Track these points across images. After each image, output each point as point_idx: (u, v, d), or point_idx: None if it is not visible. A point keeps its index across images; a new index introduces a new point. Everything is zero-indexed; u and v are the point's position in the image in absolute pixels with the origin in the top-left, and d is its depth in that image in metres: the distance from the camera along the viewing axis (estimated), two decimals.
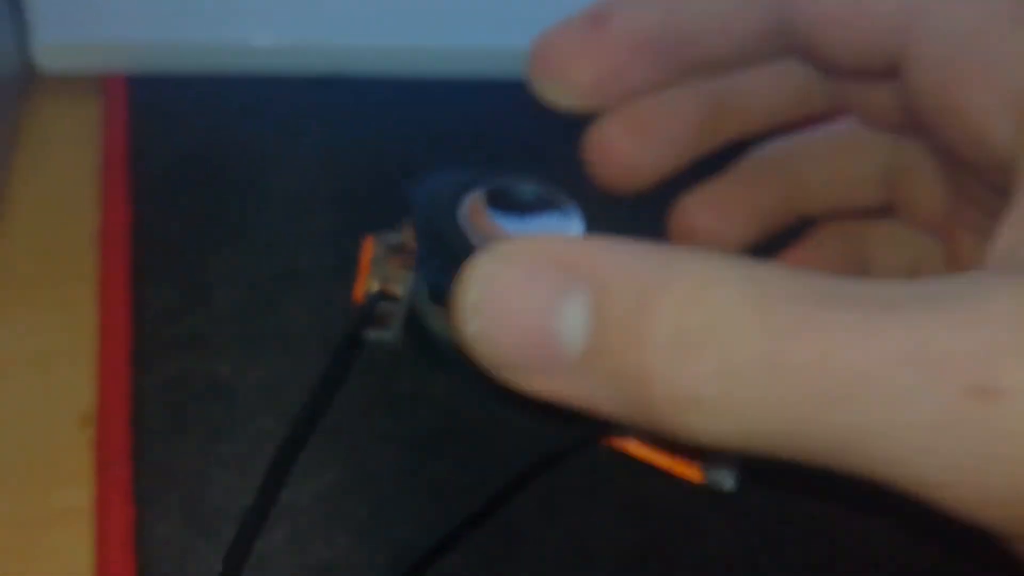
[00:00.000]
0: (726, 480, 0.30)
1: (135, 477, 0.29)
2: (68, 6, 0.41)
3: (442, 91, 0.45)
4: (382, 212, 0.34)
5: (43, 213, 0.37)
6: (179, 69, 0.42)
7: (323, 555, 0.28)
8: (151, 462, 0.29)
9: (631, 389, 0.18)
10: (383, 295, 0.32)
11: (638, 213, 0.36)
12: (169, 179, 0.38)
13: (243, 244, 0.36)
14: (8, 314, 0.33)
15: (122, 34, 0.42)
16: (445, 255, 0.31)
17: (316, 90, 0.44)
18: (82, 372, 0.32)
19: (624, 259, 0.19)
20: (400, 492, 0.30)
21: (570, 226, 0.32)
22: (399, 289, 0.32)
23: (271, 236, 0.37)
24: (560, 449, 0.29)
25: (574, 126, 0.46)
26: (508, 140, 0.43)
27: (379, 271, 0.32)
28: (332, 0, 0.44)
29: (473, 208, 0.32)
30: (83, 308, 0.33)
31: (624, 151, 0.28)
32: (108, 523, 0.28)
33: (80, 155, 0.39)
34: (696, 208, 0.31)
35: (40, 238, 0.36)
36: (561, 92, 0.27)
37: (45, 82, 0.41)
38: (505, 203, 0.33)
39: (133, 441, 0.30)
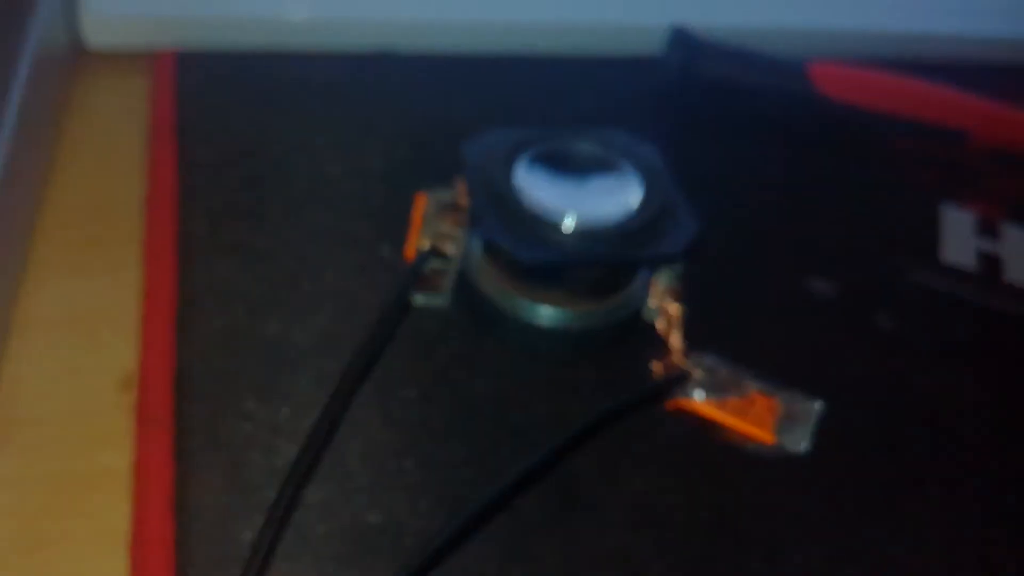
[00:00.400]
0: (800, 442, 0.28)
1: (176, 437, 0.28)
2: None
3: (486, 66, 0.45)
4: (428, 180, 0.33)
5: (91, 181, 0.36)
6: (226, 44, 0.42)
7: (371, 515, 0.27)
8: (192, 423, 0.28)
9: None
10: (434, 252, 0.31)
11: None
12: (216, 150, 0.37)
13: (290, 211, 0.35)
14: (53, 277, 0.32)
15: (169, 9, 0.41)
16: (500, 212, 0.29)
17: (360, 66, 0.43)
18: (125, 336, 0.31)
19: None
20: (450, 452, 0.28)
21: (628, 187, 0.31)
22: (451, 247, 0.31)
23: (318, 204, 0.36)
24: (622, 406, 0.27)
25: (618, 101, 0.45)
26: (557, 115, 0.42)
27: (431, 228, 0.31)
28: None
29: (529, 166, 0.31)
30: (128, 272, 0.33)
31: None
32: (147, 484, 0.27)
33: (128, 127, 0.38)
34: None
35: (88, 205, 0.35)
36: None
37: (94, 57, 0.41)
38: (561, 162, 0.31)
39: (175, 402, 0.29)
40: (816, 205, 0.40)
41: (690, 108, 0.43)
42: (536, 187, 0.30)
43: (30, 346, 0.30)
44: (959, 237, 0.39)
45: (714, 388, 0.27)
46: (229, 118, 0.39)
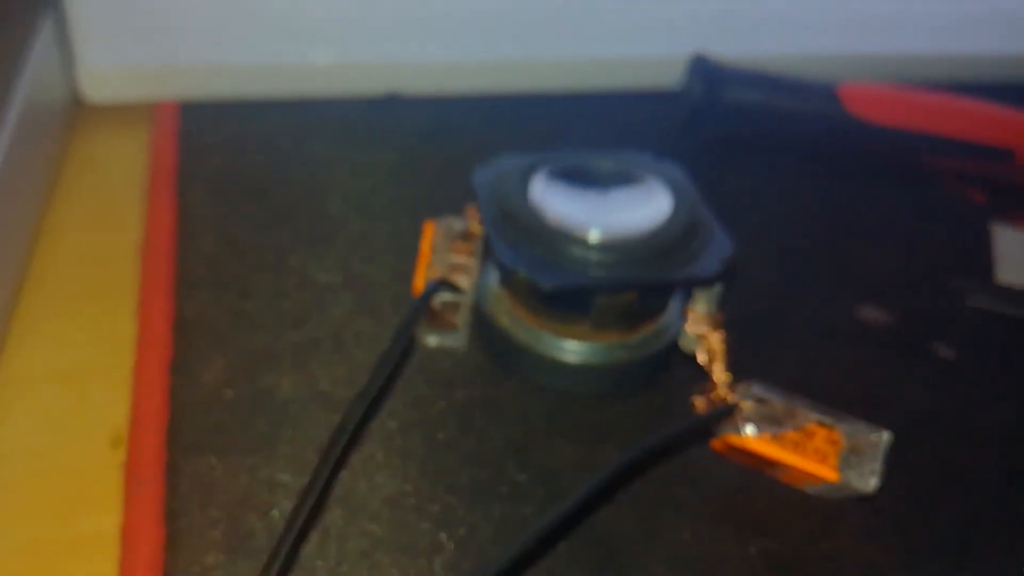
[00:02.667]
0: (868, 478, 0.24)
1: (167, 497, 0.25)
2: (113, 32, 0.39)
3: (496, 105, 0.43)
4: (427, 215, 0.30)
5: (86, 231, 0.34)
6: (224, 93, 0.41)
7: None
8: (184, 480, 0.25)
9: None
10: (445, 283, 0.28)
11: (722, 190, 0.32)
12: (216, 196, 0.35)
13: (292, 256, 0.33)
14: (44, 329, 0.30)
15: (166, 59, 0.40)
16: (516, 234, 0.27)
17: (364, 109, 0.42)
18: (116, 390, 0.28)
19: None
20: (470, 506, 0.25)
21: (654, 200, 0.28)
22: (463, 280, 0.28)
23: (322, 247, 0.33)
24: (664, 444, 0.24)
25: (637, 133, 0.43)
26: (549, 148, 0.40)
27: (441, 259, 0.28)
28: (380, 21, 0.42)
29: (547, 184, 0.28)
30: (121, 322, 0.30)
31: None
32: (134, 549, 0.24)
33: (126, 177, 0.37)
34: None
35: (81, 255, 0.33)
36: None
37: (92, 108, 0.40)
38: (581, 178, 0.29)
39: (167, 459, 0.26)
40: (858, 228, 0.38)
41: (715, 135, 0.41)
42: (555, 203, 0.27)
43: (16, 403, 0.28)
44: (1014, 257, 0.36)
45: (767, 421, 0.24)
46: (230, 164, 0.37)
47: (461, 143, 0.40)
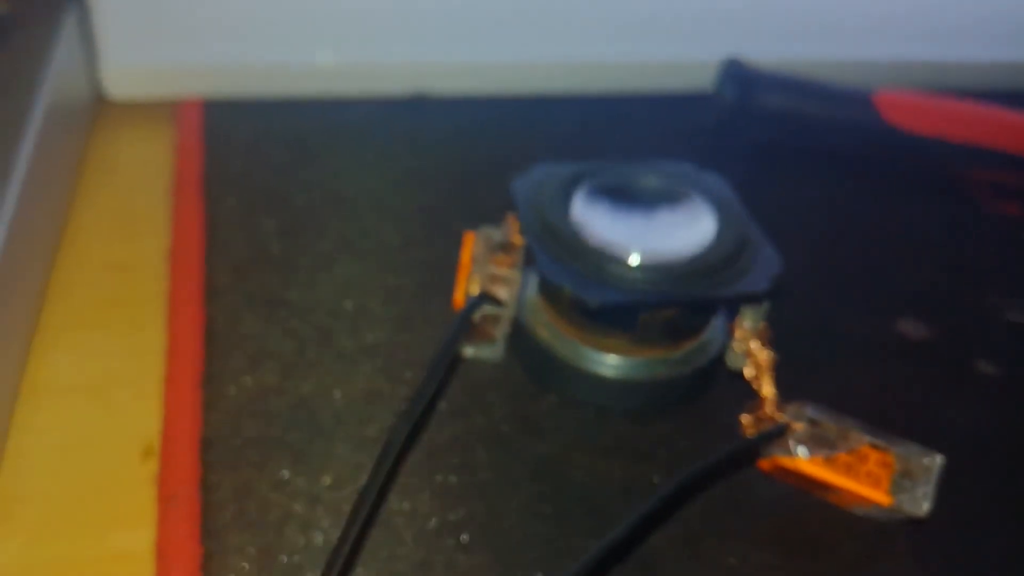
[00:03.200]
0: (921, 503, 0.24)
1: (203, 514, 0.24)
2: (138, 28, 0.38)
3: (527, 107, 0.42)
4: (473, 223, 0.30)
5: (110, 235, 0.33)
6: (250, 92, 0.40)
7: None
8: (221, 497, 0.25)
9: None
10: (486, 298, 0.27)
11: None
12: (244, 200, 0.35)
13: (325, 261, 0.32)
14: (67, 338, 0.29)
15: (191, 56, 0.39)
16: (560, 250, 0.26)
17: (393, 110, 0.41)
18: (146, 401, 0.28)
19: None
20: (510, 527, 0.25)
21: (700, 218, 0.28)
22: (503, 292, 0.28)
23: (354, 254, 0.33)
24: (714, 468, 0.23)
25: (670, 138, 0.43)
26: (606, 153, 0.39)
27: (481, 270, 0.28)
28: (407, 19, 0.41)
29: (590, 201, 0.28)
30: (150, 331, 0.30)
31: None
32: (169, 569, 0.23)
33: (150, 178, 0.36)
34: None
35: (106, 260, 0.32)
36: None
37: (116, 107, 0.39)
38: (623, 194, 0.28)
39: (201, 473, 0.25)
40: (896, 240, 0.37)
41: (748, 142, 0.41)
42: (598, 221, 0.27)
43: (40, 414, 0.27)
44: None
45: (819, 443, 0.24)
46: (258, 167, 0.37)
47: (492, 147, 0.39)
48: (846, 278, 0.35)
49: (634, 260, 0.26)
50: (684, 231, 0.27)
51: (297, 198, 0.35)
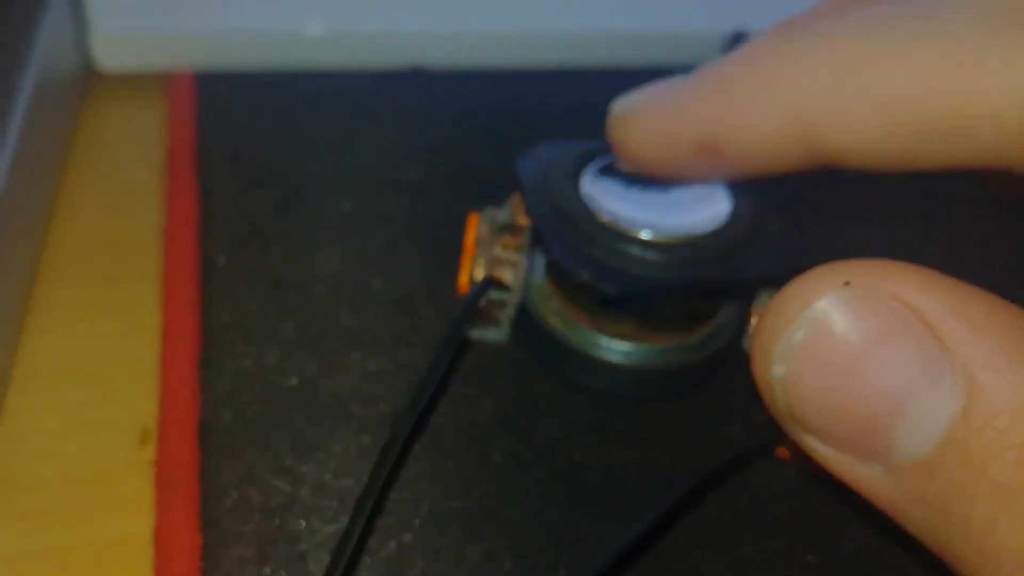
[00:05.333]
0: None
1: (202, 501, 0.24)
2: (127, 0, 0.37)
3: (527, 80, 0.41)
4: (476, 200, 0.29)
5: (102, 212, 0.32)
6: (245, 63, 0.39)
7: None
8: (221, 483, 0.24)
9: (955, 533, 0.14)
10: (491, 282, 0.27)
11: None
12: (240, 175, 0.34)
13: (324, 238, 0.31)
14: (59, 319, 0.29)
15: (184, 25, 0.38)
16: (570, 233, 0.25)
17: (391, 82, 0.40)
18: (142, 383, 0.27)
19: (1011, 361, 0.13)
20: (516, 516, 0.24)
21: (717, 203, 0.27)
22: (509, 275, 0.27)
23: (355, 230, 0.32)
24: (735, 459, 0.23)
25: None
26: (598, 129, 0.38)
27: (486, 254, 0.27)
28: None
29: (600, 181, 0.27)
30: (145, 311, 0.29)
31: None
32: (169, 557, 0.23)
33: (142, 152, 0.35)
34: None
35: (98, 238, 0.31)
36: (626, 162, 0.23)
37: (105, 78, 0.38)
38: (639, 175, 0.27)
39: (200, 459, 0.25)
40: (917, 221, 0.36)
41: None
42: (611, 203, 0.26)
43: (32, 398, 0.26)
44: None
45: None
46: (253, 141, 0.36)
47: (493, 122, 0.38)
48: (854, 255, 0.34)
49: (653, 238, 0.24)
50: (700, 207, 0.26)
51: (293, 173, 0.34)
